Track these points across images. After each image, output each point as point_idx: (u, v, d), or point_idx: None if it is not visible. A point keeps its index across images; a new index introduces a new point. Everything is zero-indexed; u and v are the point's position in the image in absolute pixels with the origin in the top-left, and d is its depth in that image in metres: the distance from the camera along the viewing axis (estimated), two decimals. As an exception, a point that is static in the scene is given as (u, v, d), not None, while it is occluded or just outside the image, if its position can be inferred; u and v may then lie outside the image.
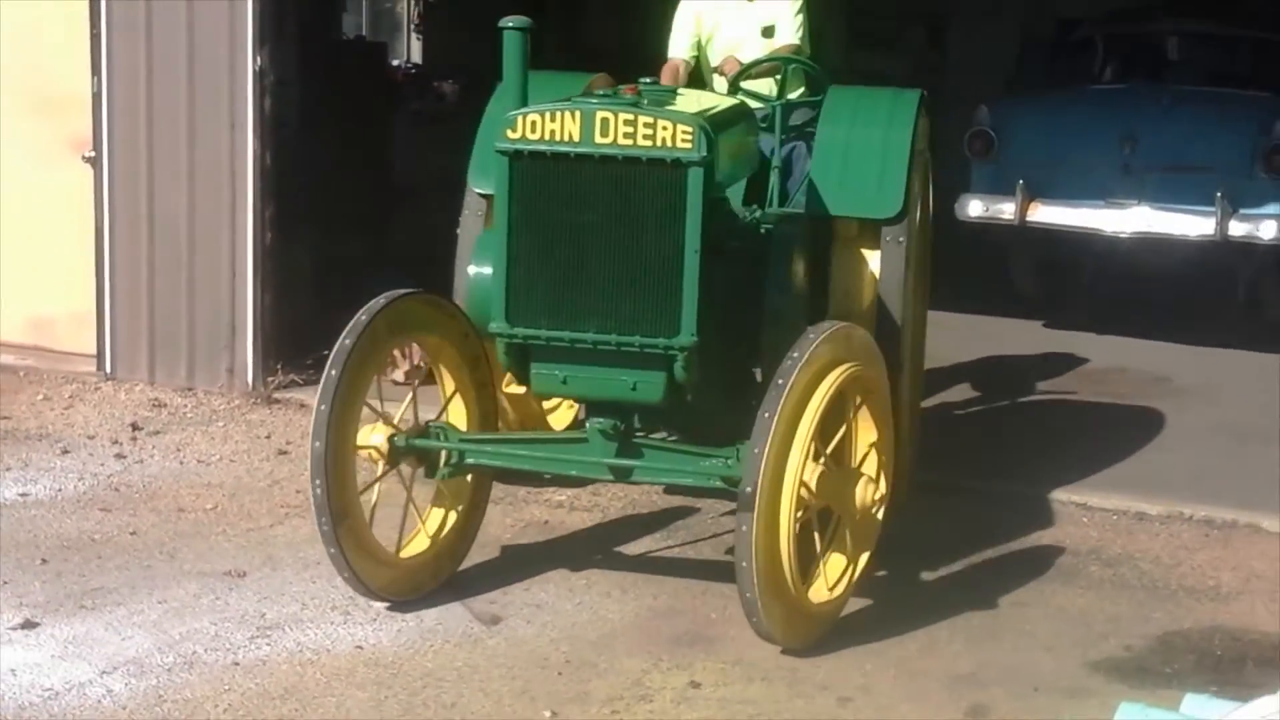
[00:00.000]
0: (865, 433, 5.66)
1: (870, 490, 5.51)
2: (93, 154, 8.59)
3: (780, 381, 5.20)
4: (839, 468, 5.50)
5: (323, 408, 5.42)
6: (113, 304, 8.60)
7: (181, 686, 5.05)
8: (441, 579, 5.89)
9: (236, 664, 5.23)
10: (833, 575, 5.60)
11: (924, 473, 7.05)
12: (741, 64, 6.96)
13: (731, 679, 5.25)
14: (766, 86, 6.96)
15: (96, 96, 8.54)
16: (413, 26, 15.14)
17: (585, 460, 5.69)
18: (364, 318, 5.54)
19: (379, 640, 5.46)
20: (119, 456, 7.38)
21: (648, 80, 5.90)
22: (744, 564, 5.11)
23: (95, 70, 8.54)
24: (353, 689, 5.09)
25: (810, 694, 5.17)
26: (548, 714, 4.97)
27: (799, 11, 7.19)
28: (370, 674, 5.21)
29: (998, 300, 11.07)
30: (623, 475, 5.70)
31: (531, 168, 5.35)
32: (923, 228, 6.95)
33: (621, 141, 5.27)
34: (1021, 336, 10.57)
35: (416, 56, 14.88)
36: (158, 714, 4.87)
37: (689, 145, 5.25)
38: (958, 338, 9.78)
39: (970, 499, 7.12)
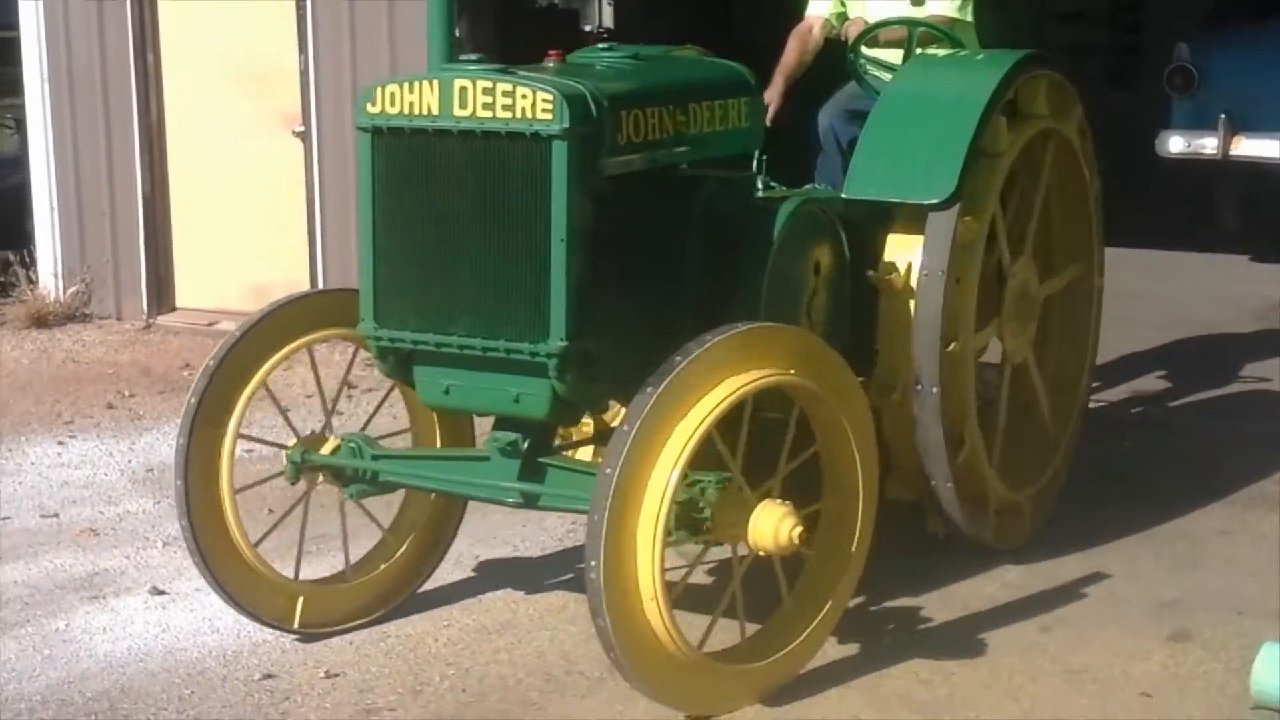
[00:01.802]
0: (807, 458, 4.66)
1: (786, 527, 4.43)
2: (302, 129, 8.93)
3: (649, 389, 4.29)
4: (738, 496, 4.47)
5: (193, 400, 5.01)
6: (325, 271, 8.94)
7: (404, 623, 5.33)
8: (371, 615, 5.34)
9: (454, 602, 5.48)
10: (770, 631, 4.73)
11: (1125, 410, 7.02)
12: (868, 23, 6.01)
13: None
14: (898, 56, 5.93)
15: (304, 73, 8.88)
16: (605, -9, 15.35)
17: (488, 483, 4.92)
18: (251, 321, 5.20)
19: (589, 578, 5.66)
20: (335, 413, 7.66)
21: (604, 46, 5.06)
22: (597, 610, 4.30)
23: (302, 48, 8.86)
24: (565, 623, 5.30)
25: (1010, 619, 5.24)
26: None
27: None
28: (581, 609, 5.35)
29: (1201, 236, 10.92)
30: (532, 500, 4.87)
31: (393, 146, 4.67)
32: (1064, 212, 6.10)
33: (480, 113, 4.51)
34: (1226, 271, 10.42)
35: (608, 20, 15.10)
36: (382, 648, 5.15)
37: (549, 116, 4.43)
38: (1161, 273, 9.67)
39: (1175, 434, 7.09)
